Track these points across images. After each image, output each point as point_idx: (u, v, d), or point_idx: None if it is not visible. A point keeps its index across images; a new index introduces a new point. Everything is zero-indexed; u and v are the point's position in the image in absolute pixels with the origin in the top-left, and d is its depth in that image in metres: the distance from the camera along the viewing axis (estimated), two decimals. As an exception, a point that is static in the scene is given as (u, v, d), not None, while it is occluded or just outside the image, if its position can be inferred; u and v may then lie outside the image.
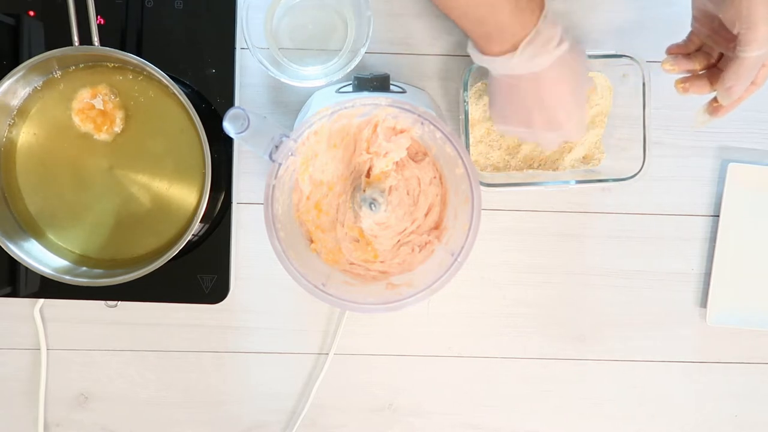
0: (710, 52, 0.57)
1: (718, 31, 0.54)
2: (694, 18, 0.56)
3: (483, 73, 0.63)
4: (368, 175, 0.58)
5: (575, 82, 0.57)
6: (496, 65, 0.55)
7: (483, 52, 0.55)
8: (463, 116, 0.62)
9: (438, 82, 0.67)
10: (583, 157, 0.67)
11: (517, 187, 0.64)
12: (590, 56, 0.62)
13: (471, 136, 0.65)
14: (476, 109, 0.65)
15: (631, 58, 0.61)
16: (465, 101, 0.62)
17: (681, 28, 0.58)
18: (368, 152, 0.57)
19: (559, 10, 0.66)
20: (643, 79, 0.61)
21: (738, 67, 0.51)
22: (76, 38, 0.58)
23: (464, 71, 0.62)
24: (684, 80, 0.57)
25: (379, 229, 0.58)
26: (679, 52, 0.58)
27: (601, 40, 0.66)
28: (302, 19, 0.63)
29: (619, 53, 0.61)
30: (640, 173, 0.62)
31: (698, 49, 0.57)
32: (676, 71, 0.57)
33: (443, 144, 0.54)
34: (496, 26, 0.52)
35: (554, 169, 0.67)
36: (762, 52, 0.50)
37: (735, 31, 0.50)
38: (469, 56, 0.56)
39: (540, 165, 0.67)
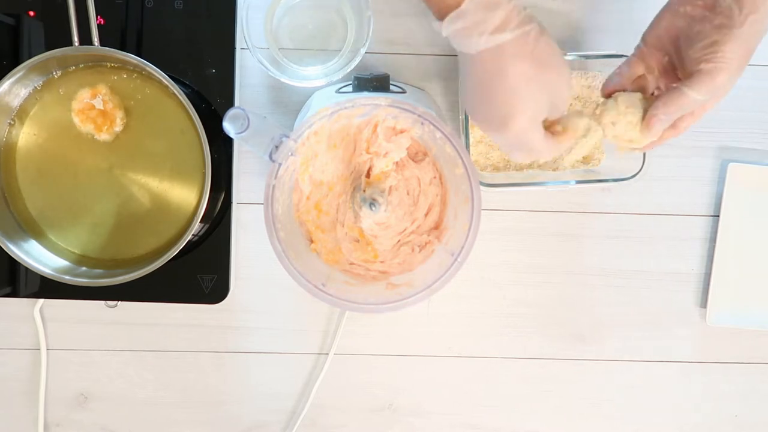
0: (646, 86, 0.53)
1: (666, 66, 0.51)
2: (646, 43, 0.52)
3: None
4: (368, 175, 0.58)
5: (524, 76, 0.47)
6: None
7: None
8: (463, 116, 0.62)
9: (438, 82, 0.67)
10: (584, 158, 0.67)
11: (517, 187, 0.64)
12: (590, 56, 0.62)
13: (471, 136, 0.65)
14: (476, 109, 0.65)
15: (631, 58, 0.61)
16: (465, 101, 0.62)
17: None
18: (368, 152, 0.57)
19: (559, 10, 0.66)
20: (643, 79, 0.61)
21: (676, 98, 0.48)
22: (76, 38, 0.58)
23: (464, 71, 0.62)
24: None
25: (379, 229, 0.58)
26: (613, 89, 0.53)
27: (601, 40, 0.66)
28: (302, 19, 0.63)
29: (619, 53, 0.61)
30: (640, 173, 0.62)
31: (638, 77, 0.53)
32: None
33: (443, 144, 0.54)
34: None
35: (554, 169, 0.66)
36: (705, 98, 0.47)
37: (692, 69, 0.47)
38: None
39: (540, 165, 0.67)
